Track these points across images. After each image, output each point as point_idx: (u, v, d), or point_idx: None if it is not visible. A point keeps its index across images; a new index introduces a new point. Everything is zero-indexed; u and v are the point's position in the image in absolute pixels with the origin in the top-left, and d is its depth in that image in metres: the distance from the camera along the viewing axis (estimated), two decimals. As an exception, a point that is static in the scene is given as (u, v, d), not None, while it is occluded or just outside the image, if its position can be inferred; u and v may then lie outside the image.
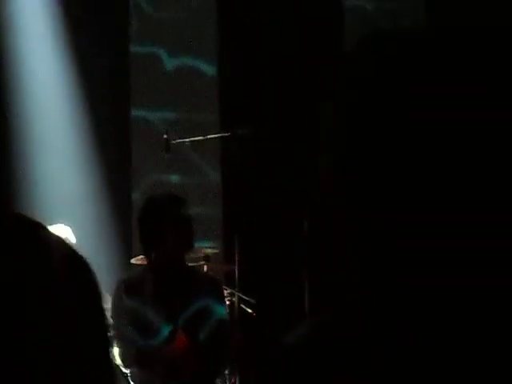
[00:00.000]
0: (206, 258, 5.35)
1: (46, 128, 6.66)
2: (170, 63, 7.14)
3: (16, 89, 6.59)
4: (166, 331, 3.97)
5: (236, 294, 5.33)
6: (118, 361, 4.88)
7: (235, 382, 4.96)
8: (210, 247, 5.91)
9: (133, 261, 5.47)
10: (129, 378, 4.75)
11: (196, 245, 4.64)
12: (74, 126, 6.75)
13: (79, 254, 0.98)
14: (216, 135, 6.04)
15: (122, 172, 6.93)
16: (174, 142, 5.91)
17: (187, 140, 6.01)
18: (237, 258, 5.55)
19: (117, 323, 4.00)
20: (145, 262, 5.41)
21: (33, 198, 6.40)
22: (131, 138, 7.01)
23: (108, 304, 5.45)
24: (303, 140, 5.89)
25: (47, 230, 1.01)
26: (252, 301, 5.38)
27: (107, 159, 6.76)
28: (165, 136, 5.87)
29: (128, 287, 4.11)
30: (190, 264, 4.57)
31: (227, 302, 4.74)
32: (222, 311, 4.20)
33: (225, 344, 4.05)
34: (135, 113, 7.03)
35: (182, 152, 6.39)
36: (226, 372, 4.75)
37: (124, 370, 4.75)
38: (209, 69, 7.16)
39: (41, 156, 6.61)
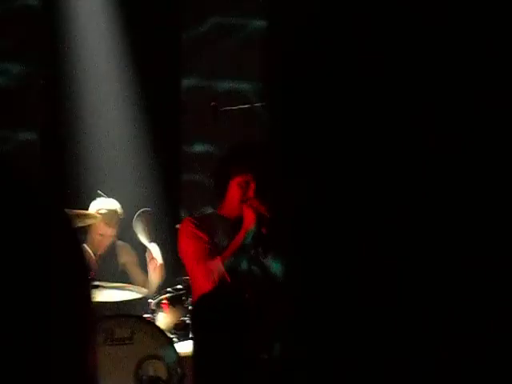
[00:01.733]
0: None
1: (102, 114, 6.82)
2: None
3: (74, 83, 6.75)
4: None
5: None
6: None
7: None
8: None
9: (178, 226, 5.53)
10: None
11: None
12: (128, 110, 6.87)
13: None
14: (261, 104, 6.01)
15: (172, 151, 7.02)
16: (221, 109, 5.90)
17: (235, 108, 6.00)
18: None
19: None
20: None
21: (91, 180, 6.56)
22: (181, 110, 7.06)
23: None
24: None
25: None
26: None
27: (157, 138, 6.85)
28: (212, 103, 5.87)
29: (199, 223, 4.25)
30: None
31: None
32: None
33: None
34: (185, 83, 7.08)
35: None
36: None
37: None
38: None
39: (99, 141, 6.78)
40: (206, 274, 4.11)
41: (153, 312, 5.19)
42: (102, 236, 5.76)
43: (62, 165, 6.76)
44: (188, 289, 5.15)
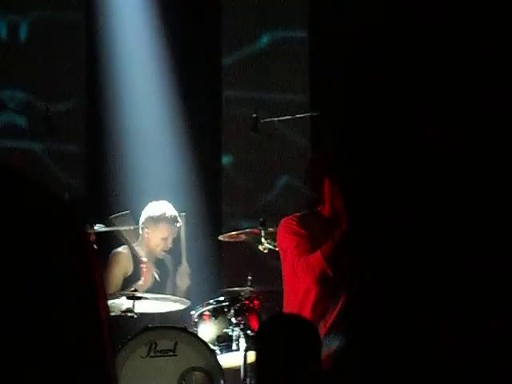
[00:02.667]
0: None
1: (144, 112, 6.89)
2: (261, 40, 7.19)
3: (114, 84, 6.83)
4: None
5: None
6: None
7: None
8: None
9: (220, 238, 5.58)
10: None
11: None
12: (169, 109, 6.93)
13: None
14: (305, 114, 6.03)
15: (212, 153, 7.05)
16: (262, 121, 5.93)
17: (276, 119, 6.02)
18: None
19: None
20: (231, 240, 5.59)
21: (136, 179, 6.63)
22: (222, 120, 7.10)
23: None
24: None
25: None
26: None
27: (199, 142, 6.90)
28: (254, 115, 5.90)
29: (298, 220, 4.38)
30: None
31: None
32: None
33: None
34: (226, 93, 7.11)
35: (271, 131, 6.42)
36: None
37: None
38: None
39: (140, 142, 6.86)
40: (306, 268, 4.20)
41: (195, 324, 5.21)
42: (164, 240, 5.73)
43: (105, 173, 6.83)
44: (231, 300, 5.19)
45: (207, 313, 5.19)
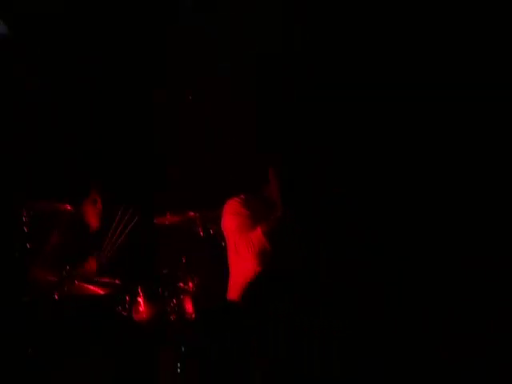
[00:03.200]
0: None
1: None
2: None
3: None
4: None
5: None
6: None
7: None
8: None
9: (155, 221, 5.60)
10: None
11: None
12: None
13: None
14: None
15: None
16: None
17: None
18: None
19: None
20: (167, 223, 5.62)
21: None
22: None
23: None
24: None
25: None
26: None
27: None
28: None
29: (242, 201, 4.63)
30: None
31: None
32: None
33: None
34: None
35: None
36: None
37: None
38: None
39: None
40: (246, 244, 4.42)
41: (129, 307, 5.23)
42: None
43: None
44: (165, 283, 5.23)
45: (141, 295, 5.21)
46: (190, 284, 5.32)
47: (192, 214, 5.45)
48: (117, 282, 5.37)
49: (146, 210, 6.50)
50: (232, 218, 4.56)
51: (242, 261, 4.48)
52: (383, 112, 2.88)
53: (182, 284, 5.30)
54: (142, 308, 5.23)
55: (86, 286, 5.27)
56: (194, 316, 5.22)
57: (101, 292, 5.33)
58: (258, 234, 4.42)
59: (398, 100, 2.62)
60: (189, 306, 5.26)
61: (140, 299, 5.22)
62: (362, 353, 2.36)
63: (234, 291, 4.55)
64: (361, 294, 3.03)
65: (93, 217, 5.72)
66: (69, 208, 5.59)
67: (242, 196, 4.66)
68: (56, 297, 5.11)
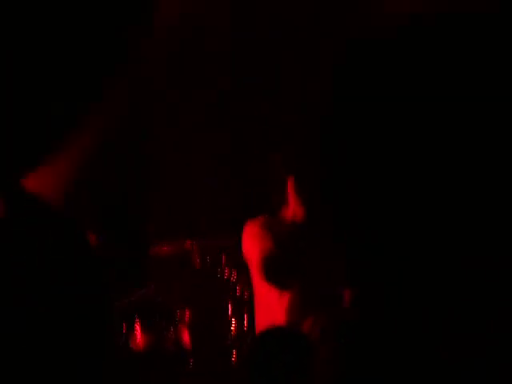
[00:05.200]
0: (224, 248, 5.44)
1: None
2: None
3: None
4: None
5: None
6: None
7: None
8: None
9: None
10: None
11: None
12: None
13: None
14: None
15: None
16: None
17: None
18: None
19: None
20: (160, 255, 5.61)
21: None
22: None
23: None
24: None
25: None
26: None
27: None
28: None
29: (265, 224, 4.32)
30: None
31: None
32: None
33: None
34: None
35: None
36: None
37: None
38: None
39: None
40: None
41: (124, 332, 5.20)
42: None
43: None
44: (161, 311, 5.21)
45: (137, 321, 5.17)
46: (187, 313, 5.31)
47: (189, 243, 5.43)
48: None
49: (138, 239, 6.49)
50: (255, 241, 4.21)
51: (271, 289, 4.16)
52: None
53: (178, 313, 5.28)
54: (138, 338, 5.20)
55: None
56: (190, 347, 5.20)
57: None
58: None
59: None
60: (186, 337, 5.25)
61: (137, 329, 5.20)
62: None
63: (261, 320, 4.26)
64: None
65: None
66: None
67: (262, 217, 4.32)
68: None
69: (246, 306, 5.83)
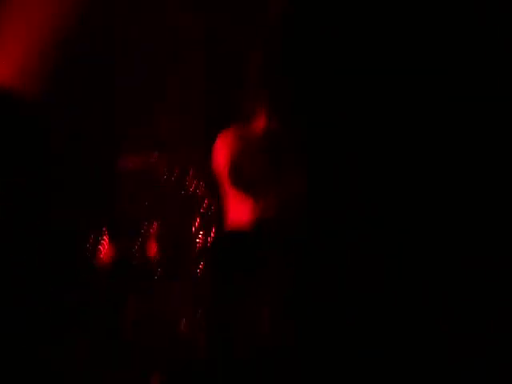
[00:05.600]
0: (192, 161, 5.43)
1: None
2: None
3: None
4: None
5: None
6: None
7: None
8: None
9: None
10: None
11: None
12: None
13: None
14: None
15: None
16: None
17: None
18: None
19: None
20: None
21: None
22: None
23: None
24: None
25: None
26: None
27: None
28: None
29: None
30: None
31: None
32: None
33: None
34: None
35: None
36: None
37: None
38: None
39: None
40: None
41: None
42: None
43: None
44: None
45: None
46: (154, 225, 5.33)
47: (156, 155, 5.41)
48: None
49: (106, 150, 6.43)
50: (227, 151, 4.13)
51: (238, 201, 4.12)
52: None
53: (145, 225, 5.30)
54: (106, 247, 5.22)
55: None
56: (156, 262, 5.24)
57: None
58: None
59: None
60: (153, 249, 5.28)
61: (104, 242, 5.22)
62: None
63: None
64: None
65: None
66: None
67: (235, 129, 4.21)
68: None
69: (213, 218, 5.86)
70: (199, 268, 5.96)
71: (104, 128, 6.35)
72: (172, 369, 4.16)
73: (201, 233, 5.87)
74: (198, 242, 5.94)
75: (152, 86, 6.33)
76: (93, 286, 5.04)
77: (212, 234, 5.97)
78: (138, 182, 6.01)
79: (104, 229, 5.19)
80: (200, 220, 5.80)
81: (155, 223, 5.29)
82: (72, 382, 4.02)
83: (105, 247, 5.18)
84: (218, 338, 3.25)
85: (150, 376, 4.41)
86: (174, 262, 5.37)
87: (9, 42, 3.89)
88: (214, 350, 3.25)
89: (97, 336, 4.74)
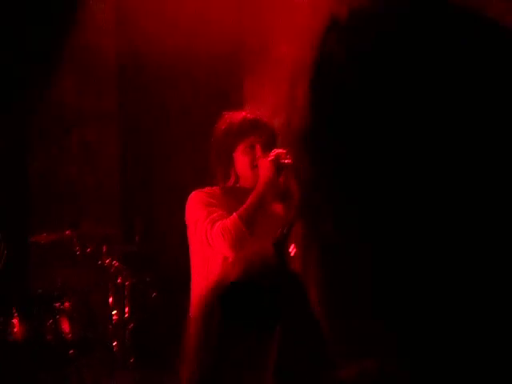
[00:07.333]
0: (106, 238, 5.42)
1: None
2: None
3: None
4: None
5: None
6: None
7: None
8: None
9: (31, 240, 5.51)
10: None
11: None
12: None
13: None
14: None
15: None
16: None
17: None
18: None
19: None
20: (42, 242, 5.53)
21: None
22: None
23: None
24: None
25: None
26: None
27: None
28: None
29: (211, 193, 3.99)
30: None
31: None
32: None
33: None
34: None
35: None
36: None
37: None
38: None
39: None
40: (223, 232, 3.78)
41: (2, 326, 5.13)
42: None
43: None
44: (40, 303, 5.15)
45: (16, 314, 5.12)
46: (67, 304, 5.27)
47: (69, 232, 5.38)
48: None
49: (16, 228, 6.36)
50: (200, 208, 3.90)
51: (216, 254, 3.86)
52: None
53: (58, 304, 5.23)
54: (16, 329, 5.13)
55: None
56: (70, 336, 5.17)
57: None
58: (234, 219, 3.82)
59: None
60: (65, 326, 5.21)
61: (14, 320, 5.12)
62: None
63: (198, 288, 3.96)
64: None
65: None
66: None
67: (208, 188, 4.01)
68: None
69: (127, 294, 5.84)
70: (116, 342, 5.90)
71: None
72: None
73: (115, 309, 5.84)
74: (113, 319, 5.89)
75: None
76: (4, 363, 4.93)
77: (126, 311, 5.94)
78: (51, 257, 5.96)
79: (14, 308, 5.12)
80: (113, 295, 5.78)
81: (68, 299, 5.24)
82: None
83: (16, 324, 5.09)
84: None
85: None
86: (88, 338, 5.31)
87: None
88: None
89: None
